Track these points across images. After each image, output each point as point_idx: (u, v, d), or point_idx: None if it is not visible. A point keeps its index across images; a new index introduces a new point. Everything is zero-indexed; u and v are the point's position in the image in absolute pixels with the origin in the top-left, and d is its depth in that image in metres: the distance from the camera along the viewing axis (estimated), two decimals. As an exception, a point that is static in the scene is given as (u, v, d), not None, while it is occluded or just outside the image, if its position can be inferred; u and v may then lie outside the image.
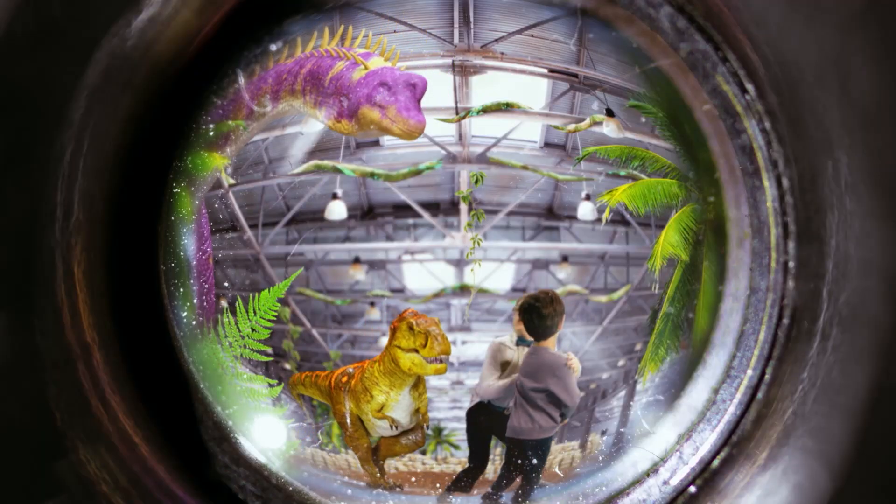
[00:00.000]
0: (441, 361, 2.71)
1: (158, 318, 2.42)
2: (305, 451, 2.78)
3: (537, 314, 2.81)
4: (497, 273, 3.23)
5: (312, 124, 2.70)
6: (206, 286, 2.61)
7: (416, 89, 2.54)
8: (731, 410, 2.44)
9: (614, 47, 2.60)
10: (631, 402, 2.78)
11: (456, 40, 2.79)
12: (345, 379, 2.96)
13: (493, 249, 3.16)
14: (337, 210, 3.11)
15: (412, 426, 2.87)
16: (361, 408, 2.88)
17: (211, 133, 2.51)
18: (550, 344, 2.82)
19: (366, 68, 2.44)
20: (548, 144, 3.03)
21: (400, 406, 2.83)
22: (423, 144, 2.99)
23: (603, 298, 3.18)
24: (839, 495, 1.91)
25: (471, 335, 3.18)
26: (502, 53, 2.79)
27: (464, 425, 2.91)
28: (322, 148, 2.89)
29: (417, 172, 3.01)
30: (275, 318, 2.73)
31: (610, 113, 2.82)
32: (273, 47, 2.49)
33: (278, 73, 2.58)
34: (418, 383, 2.84)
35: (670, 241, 2.74)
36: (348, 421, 2.90)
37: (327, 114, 2.48)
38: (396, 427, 2.86)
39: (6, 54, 1.75)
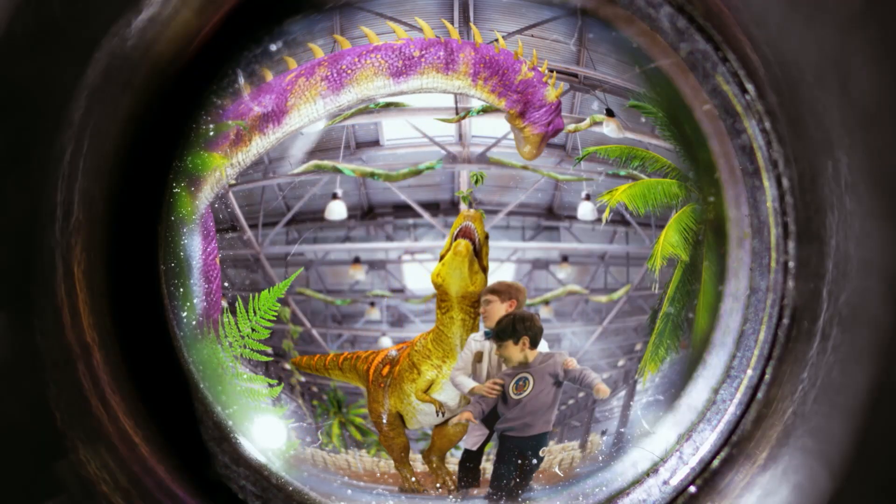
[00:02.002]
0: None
1: (158, 318, 2.42)
2: (305, 451, 2.78)
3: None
4: (497, 273, 3.23)
5: (403, 80, 2.75)
6: (212, 287, 2.61)
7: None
8: (731, 410, 2.44)
9: (614, 47, 2.60)
10: (631, 402, 2.78)
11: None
12: (385, 370, 2.95)
13: (493, 249, 3.15)
14: (337, 210, 3.11)
15: (456, 413, 2.85)
16: (404, 391, 2.86)
17: (211, 134, 2.52)
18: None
19: (557, 95, 2.80)
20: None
21: (449, 385, 2.82)
22: (423, 144, 2.99)
23: (603, 298, 3.18)
24: (839, 495, 1.91)
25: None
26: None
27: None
28: (322, 148, 2.89)
29: (417, 172, 3.01)
30: (275, 318, 2.73)
31: (610, 113, 2.82)
32: (273, 47, 2.49)
33: (394, 50, 2.73)
34: None
35: (670, 241, 2.74)
36: (385, 420, 2.89)
37: (510, 106, 2.79)
38: (443, 412, 2.84)
39: (6, 54, 1.75)
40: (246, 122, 2.63)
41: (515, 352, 2.77)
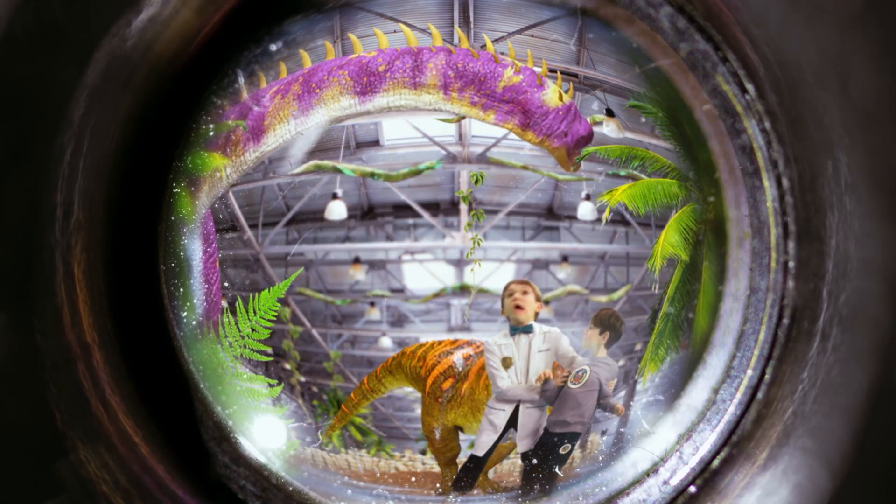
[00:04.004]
0: None
1: (158, 318, 2.42)
2: (305, 451, 2.78)
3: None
4: (497, 273, 3.24)
5: (369, 99, 2.68)
6: (212, 288, 2.61)
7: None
8: (731, 410, 2.44)
9: (614, 47, 2.60)
10: (631, 402, 2.78)
11: (456, 40, 2.79)
12: (446, 384, 2.90)
13: (493, 249, 3.16)
14: (337, 210, 3.11)
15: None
16: (476, 401, 2.83)
17: (211, 133, 2.52)
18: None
19: (561, 98, 2.55)
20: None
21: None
22: (423, 144, 3.00)
23: (603, 298, 3.18)
24: (839, 495, 1.91)
25: (471, 335, 3.18)
26: (502, 54, 2.79)
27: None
28: (322, 148, 2.89)
29: (417, 172, 3.01)
30: (275, 318, 2.73)
31: (610, 113, 2.82)
32: (273, 47, 2.49)
33: (361, 66, 2.56)
34: None
35: (670, 241, 2.74)
36: (438, 435, 2.86)
37: (503, 119, 2.53)
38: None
39: (6, 54, 1.75)
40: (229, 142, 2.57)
41: (594, 341, 2.78)
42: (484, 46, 2.72)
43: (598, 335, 2.78)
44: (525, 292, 2.82)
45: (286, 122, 2.64)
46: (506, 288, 2.84)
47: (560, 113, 2.58)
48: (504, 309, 2.83)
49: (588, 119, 2.87)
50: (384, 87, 2.56)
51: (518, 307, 2.82)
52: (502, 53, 2.72)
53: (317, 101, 2.59)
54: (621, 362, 2.97)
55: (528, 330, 2.81)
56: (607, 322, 2.81)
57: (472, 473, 2.83)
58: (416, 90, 2.55)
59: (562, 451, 2.73)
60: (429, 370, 2.95)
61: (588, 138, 2.64)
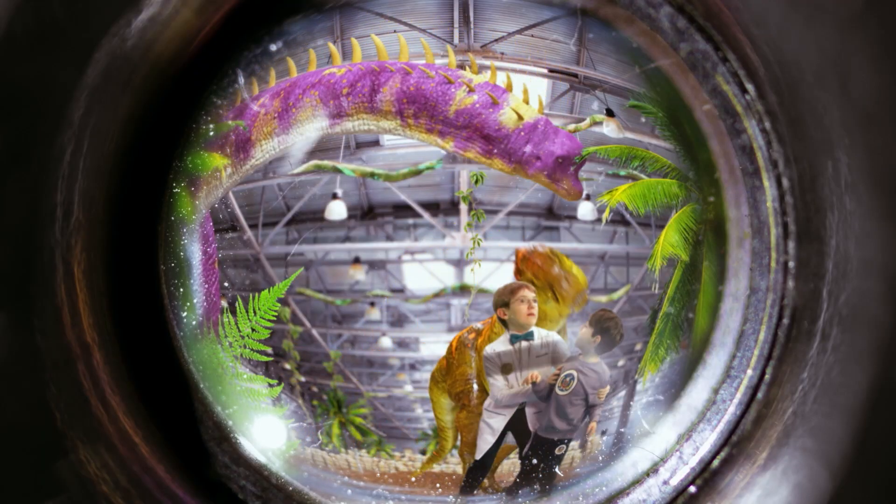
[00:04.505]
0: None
1: (158, 318, 2.42)
2: (305, 451, 2.78)
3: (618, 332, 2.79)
4: (497, 273, 3.23)
5: (337, 122, 2.66)
6: (211, 289, 2.61)
7: (580, 162, 2.40)
8: (731, 410, 2.44)
9: (614, 47, 2.60)
10: (631, 402, 2.78)
11: (456, 40, 2.79)
12: (472, 335, 2.86)
13: (493, 249, 3.16)
14: (337, 210, 3.11)
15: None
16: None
17: (211, 133, 2.52)
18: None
19: (520, 118, 2.25)
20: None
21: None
22: (423, 144, 2.99)
23: (603, 298, 3.18)
24: (839, 495, 1.91)
25: (471, 335, 3.17)
26: (502, 53, 2.79)
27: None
28: (322, 148, 2.89)
29: (417, 172, 3.01)
30: (275, 318, 2.73)
31: (610, 113, 2.82)
32: (273, 47, 2.49)
33: (329, 87, 2.45)
34: None
35: (670, 241, 2.74)
36: (475, 388, 2.79)
37: (464, 147, 2.29)
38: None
39: (6, 54, 1.75)
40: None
41: (585, 341, 2.75)
42: (484, 46, 2.72)
43: (590, 336, 2.74)
44: (536, 300, 2.76)
45: (270, 138, 2.61)
46: (514, 292, 2.76)
47: (522, 134, 2.28)
48: (510, 313, 2.76)
49: (588, 119, 2.86)
50: (347, 111, 2.43)
51: (532, 314, 2.76)
52: (502, 54, 2.70)
53: (294, 120, 2.50)
54: (621, 362, 2.97)
55: (529, 337, 2.79)
56: (601, 324, 2.77)
57: (476, 477, 2.83)
58: (374, 116, 2.40)
59: (557, 452, 2.73)
60: (450, 347, 2.92)
61: (570, 156, 2.37)
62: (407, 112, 2.34)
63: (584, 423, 2.75)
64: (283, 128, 2.51)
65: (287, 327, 3.00)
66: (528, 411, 2.78)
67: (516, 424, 2.80)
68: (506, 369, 2.77)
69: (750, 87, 2.35)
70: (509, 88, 2.45)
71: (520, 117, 2.26)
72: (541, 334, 2.79)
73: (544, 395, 2.75)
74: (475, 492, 2.80)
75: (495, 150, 2.27)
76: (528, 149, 2.27)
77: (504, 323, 2.78)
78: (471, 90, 2.28)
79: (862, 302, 1.92)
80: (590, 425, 2.73)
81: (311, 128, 2.54)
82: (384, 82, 2.35)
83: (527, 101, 2.37)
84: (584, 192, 2.68)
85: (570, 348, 2.82)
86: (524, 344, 2.78)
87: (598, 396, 2.73)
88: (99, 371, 2.13)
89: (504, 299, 2.76)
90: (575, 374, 2.73)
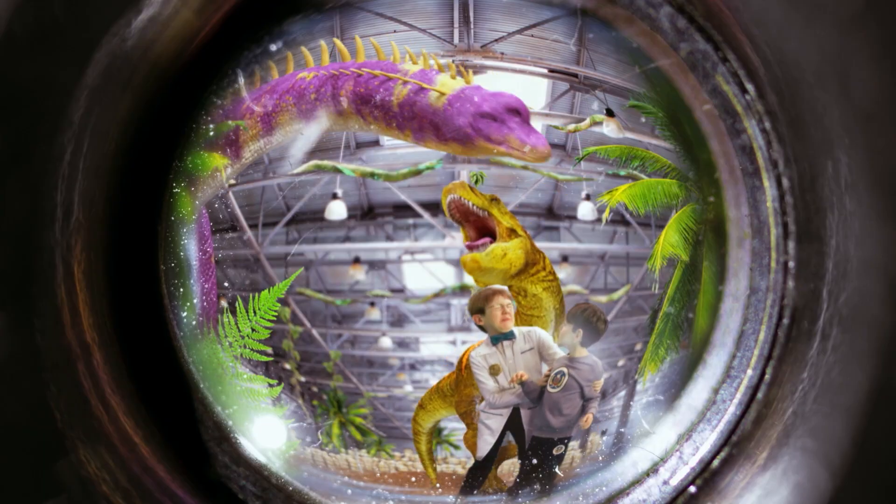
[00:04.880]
0: None
1: (158, 318, 2.42)
2: (305, 451, 2.78)
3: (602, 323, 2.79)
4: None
5: (313, 124, 2.69)
6: (208, 286, 2.61)
7: (522, 113, 2.39)
8: (731, 410, 2.44)
9: (614, 47, 2.60)
10: (631, 402, 2.78)
11: (456, 40, 2.79)
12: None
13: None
14: (337, 210, 3.10)
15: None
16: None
17: (211, 133, 2.52)
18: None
19: (441, 94, 2.28)
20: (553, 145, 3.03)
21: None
22: (423, 144, 2.99)
23: (603, 298, 3.18)
24: (839, 495, 1.91)
25: (471, 335, 3.18)
26: (502, 53, 2.79)
27: (463, 426, 2.91)
28: (322, 148, 2.89)
29: (417, 172, 3.01)
30: (275, 318, 2.73)
31: (610, 113, 2.82)
32: (273, 47, 2.49)
33: (299, 92, 2.50)
34: None
35: (670, 241, 2.74)
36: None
37: (421, 136, 2.34)
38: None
39: (6, 54, 1.75)
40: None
41: (567, 338, 2.75)
42: (484, 46, 2.72)
43: (570, 331, 2.75)
44: (509, 304, 2.80)
45: (258, 140, 2.64)
46: (487, 298, 2.79)
47: (449, 108, 2.27)
48: (485, 319, 2.79)
49: (588, 119, 2.86)
50: (317, 114, 2.48)
51: (506, 319, 2.80)
52: (502, 53, 2.70)
53: (276, 123, 2.57)
54: (621, 362, 2.97)
55: (510, 336, 2.80)
56: (578, 317, 2.77)
57: (477, 477, 2.83)
58: (341, 118, 2.45)
59: (555, 452, 2.73)
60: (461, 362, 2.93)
61: (499, 110, 2.31)
62: (364, 111, 2.41)
63: (581, 418, 2.74)
64: (267, 130, 2.59)
65: (287, 327, 3.00)
66: (523, 412, 2.78)
67: (514, 425, 2.80)
68: (494, 370, 2.79)
69: (750, 87, 2.35)
70: (442, 70, 2.50)
71: (441, 94, 2.27)
72: (521, 331, 2.81)
73: (535, 395, 2.75)
74: (475, 492, 2.80)
75: (447, 134, 2.30)
76: (460, 121, 2.28)
77: (482, 328, 2.82)
78: (405, 82, 2.33)
79: (862, 302, 1.92)
80: (585, 417, 2.73)
81: (290, 129, 2.61)
82: (341, 86, 2.43)
83: (454, 77, 2.39)
84: (547, 147, 2.58)
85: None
86: (506, 342, 2.79)
87: (593, 388, 2.73)
88: (99, 371, 2.13)
89: (479, 305, 2.81)
90: (565, 370, 2.73)
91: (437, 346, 3.45)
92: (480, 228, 2.82)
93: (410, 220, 3.23)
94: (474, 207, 2.78)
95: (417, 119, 2.31)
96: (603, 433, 2.79)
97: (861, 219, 1.89)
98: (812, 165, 2.12)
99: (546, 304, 2.84)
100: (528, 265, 2.80)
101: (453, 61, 2.78)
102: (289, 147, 2.79)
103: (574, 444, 2.82)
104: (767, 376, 2.40)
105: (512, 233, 2.81)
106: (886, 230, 1.82)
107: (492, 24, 2.78)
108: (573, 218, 3.17)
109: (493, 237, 2.82)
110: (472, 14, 2.74)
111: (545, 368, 2.78)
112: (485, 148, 2.40)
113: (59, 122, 1.89)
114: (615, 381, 2.93)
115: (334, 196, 3.08)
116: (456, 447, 2.99)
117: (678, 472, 2.47)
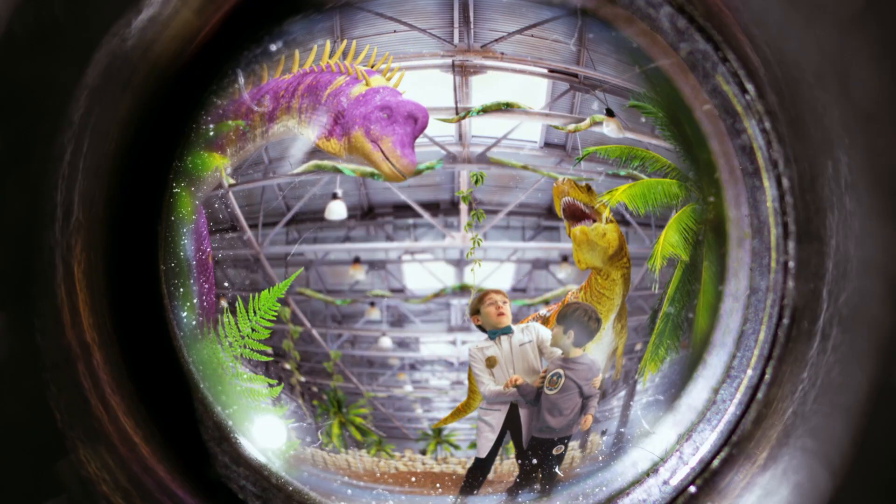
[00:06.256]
0: None
1: (158, 318, 2.42)
2: (305, 451, 2.78)
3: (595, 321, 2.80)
4: (497, 273, 3.24)
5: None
6: (206, 286, 2.61)
7: (417, 124, 2.47)
8: (731, 410, 2.44)
9: (614, 47, 2.60)
10: (631, 402, 2.78)
11: (456, 40, 2.79)
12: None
13: (493, 249, 3.16)
14: (337, 210, 3.11)
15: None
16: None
17: (211, 134, 2.52)
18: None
19: (367, 84, 2.37)
20: (548, 144, 3.03)
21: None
22: (424, 144, 2.99)
23: (603, 298, 3.17)
24: (839, 495, 1.91)
25: (471, 335, 3.18)
26: (502, 53, 2.79)
27: (462, 425, 2.91)
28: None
29: (417, 172, 3.01)
30: (275, 318, 2.73)
31: (610, 113, 2.82)
32: (273, 47, 2.49)
33: (275, 90, 2.57)
34: None
35: (670, 241, 2.74)
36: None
37: (319, 132, 2.42)
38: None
39: (6, 54, 1.75)
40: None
41: (559, 340, 2.76)
42: (484, 46, 2.72)
43: (561, 333, 2.76)
44: (505, 301, 2.86)
45: (256, 140, 2.67)
46: (482, 299, 2.86)
47: (361, 98, 2.39)
48: (482, 317, 2.86)
49: (588, 119, 2.86)
50: (277, 113, 2.56)
51: (501, 314, 2.85)
52: (502, 53, 2.70)
53: (275, 122, 2.63)
54: (621, 362, 2.97)
55: (507, 331, 2.84)
56: (565, 318, 2.78)
57: (477, 477, 2.83)
58: (288, 115, 2.53)
59: (555, 453, 2.73)
60: None
61: (375, 111, 2.40)
62: (303, 107, 2.49)
63: (581, 416, 2.74)
64: (266, 130, 2.65)
65: (287, 327, 3.00)
66: (522, 412, 2.79)
67: (513, 424, 2.80)
68: (490, 362, 2.82)
69: (750, 87, 2.35)
70: (384, 74, 2.60)
71: (367, 84, 2.38)
72: (519, 326, 2.85)
73: (531, 398, 2.75)
74: (475, 492, 2.80)
75: (345, 124, 2.41)
76: (359, 110, 2.37)
77: (481, 328, 2.87)
78: (336, 90, 2.46)
79: (862, 302, 1.92)
80: (584, 418, 2.73)
81: (276, 132, 2.66)
82: (301, 82, 2.52)
83: (387, 78, 2.47)
84: (413, 166, 2.64)
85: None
86: (503, 336, 2.82)
87: (592, 386, 2.73)
88: (99, 371, 2.13)
89: (475, 307, 2.88)
90: (560, 371, 2.73)
91: (437, 346, 3.46)
92: (582, 218, 2.90)
93: (410, 220, 3.23)
94: (586, 208, 2.87)
95: (331, 112, 2.38)
96: (603, 433, 2.79)
97: (861, 219, 1.89)
98: (812, 165, 2.12)
99: (617, 290, 2.88)
100: (621, 248, 2.85)
101: (453, 61, 2.79)
102: (289, 147, 2.79)
103: (574, 443, 2.83)
104: (767, 376, 2.40)
105: (608, 220, 2.88)
106: (886, 230, 1.82)
107: (492, 24, 2.78)
108: (573, 218, 3.16)
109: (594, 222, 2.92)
110: (472, 14, 2.74)
111: (544, 364, 2.79)
112: (358, 142, 2.45)
113: (59, 122, 1.89)
114: (615, 381, 2.94)
115: (334, 196, 3.08)
116: (456, 447, 2.99)
117: (678, 472, 2.47)
